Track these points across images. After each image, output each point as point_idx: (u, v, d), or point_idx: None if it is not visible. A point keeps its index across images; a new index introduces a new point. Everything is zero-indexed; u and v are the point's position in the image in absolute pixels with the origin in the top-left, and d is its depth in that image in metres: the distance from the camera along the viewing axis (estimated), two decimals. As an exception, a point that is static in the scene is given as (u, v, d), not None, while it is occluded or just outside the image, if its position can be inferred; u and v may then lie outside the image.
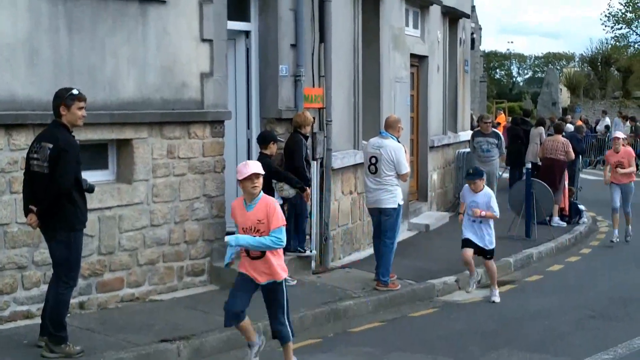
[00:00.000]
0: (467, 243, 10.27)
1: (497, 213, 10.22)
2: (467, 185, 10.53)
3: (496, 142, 16.09)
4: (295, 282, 9.93)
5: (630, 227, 14.58)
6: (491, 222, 10.28)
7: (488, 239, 10.24)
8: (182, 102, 9.31)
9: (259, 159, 9.77)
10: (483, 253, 10.34)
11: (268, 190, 9.60)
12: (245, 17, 10.60)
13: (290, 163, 10.17)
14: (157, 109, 9.02)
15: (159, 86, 9.05)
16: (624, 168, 14.04)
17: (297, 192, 9.82)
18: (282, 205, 9.68)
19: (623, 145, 14.37)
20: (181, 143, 9.32)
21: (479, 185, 10.27)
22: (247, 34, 10.63)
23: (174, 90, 9.22)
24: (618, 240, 14.29)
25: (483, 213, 10.10)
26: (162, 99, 9.09)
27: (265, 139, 9.83)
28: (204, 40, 9.48)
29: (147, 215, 8.99)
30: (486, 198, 10.21)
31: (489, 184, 16.04)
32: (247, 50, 10.67)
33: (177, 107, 9.24)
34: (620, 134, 15.07)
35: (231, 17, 10.02)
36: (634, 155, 14.67)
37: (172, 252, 9.31)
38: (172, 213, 9.26)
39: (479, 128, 16.74)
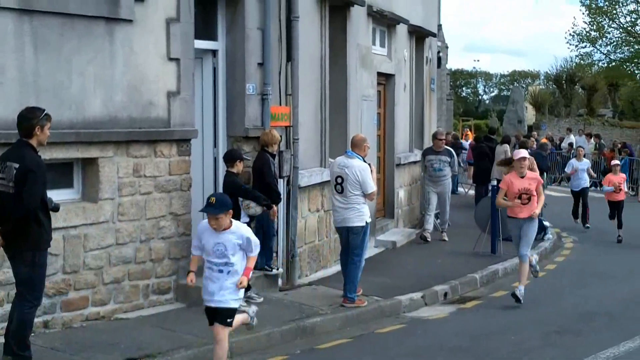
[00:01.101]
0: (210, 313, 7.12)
1: (254, 255, 7.03)
2: (206, 221, 7.06)
3: (448, 160, 15.40)
4: (262, 299, 9.94)
5: (536, 261, 11.49)
6: (239, 269, 7.00)
7: (229, 291, 6.96)
8: (149, 120, 9.30)
9: (225, 177, 9.80)
10: (218, 315, 7.01)
11: (235, 208, 9.63)
12: (212, 36, 10.63)
13: (260, 181, 10.18)
14: (123, 128, 8.99)
15: (126, 105, 9.03)
16: (530, 199, 10.79)
17: (263, 209, 9.83)
18: (249, 223, 9.72)
19: (530, 168, 11.06)
20: (147, 162, 9.30)
21: (223, 222, 6.91)
22: (214, 52, 10.65)
23: (141, 108, 9.21)
24: (523, 300, 10.79)
25: (245, 281, 6.97)
26: (129, 118, 9.07)
27: (231, 157, 9.84)
28: (171, 59, 9.48)
29: (112, 233, 8.95)
30: (241, 239, 6.97)
31: (442, 206, 15.94)
32: (214, 69, 10.69)
33: (144, 125, 9.23)
34: (525, 153, 11.33)
35: (198, 35, 10.03)
36: (542, 182, 11.40)
37: (138, 270, 9.27)
38: (138, 231, 9.23)
39: (431, 145, 16.00)
